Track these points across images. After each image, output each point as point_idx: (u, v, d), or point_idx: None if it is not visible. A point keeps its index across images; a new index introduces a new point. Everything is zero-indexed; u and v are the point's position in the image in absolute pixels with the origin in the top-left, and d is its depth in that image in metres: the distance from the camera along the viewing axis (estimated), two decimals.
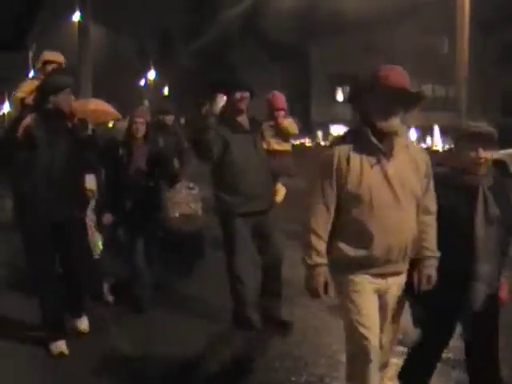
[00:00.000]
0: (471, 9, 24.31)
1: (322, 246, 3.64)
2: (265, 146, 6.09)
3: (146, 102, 52.68)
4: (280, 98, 7.12)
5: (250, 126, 5.73)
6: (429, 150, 32.03)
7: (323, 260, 3.64)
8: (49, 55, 7.00)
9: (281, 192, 7.08)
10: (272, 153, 6.32)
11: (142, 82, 58.12)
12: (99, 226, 6.77)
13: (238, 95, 5.58)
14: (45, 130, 5.26)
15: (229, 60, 53.81)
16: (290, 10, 43.44)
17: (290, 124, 7.02)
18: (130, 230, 6.66)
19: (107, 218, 6.54)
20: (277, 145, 6.85)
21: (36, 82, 6.20)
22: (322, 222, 3.64)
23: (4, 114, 49.60)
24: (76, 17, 24.98)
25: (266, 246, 5.75)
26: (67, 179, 5.33)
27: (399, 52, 38.42)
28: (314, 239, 3.63)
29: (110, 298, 6.69)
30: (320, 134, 43.01)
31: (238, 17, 51.47)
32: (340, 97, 52.56)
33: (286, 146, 7.03)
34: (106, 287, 6.70)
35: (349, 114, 50.60)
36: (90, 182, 6.66)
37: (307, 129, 48.64)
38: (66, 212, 5.36)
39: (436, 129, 32.96)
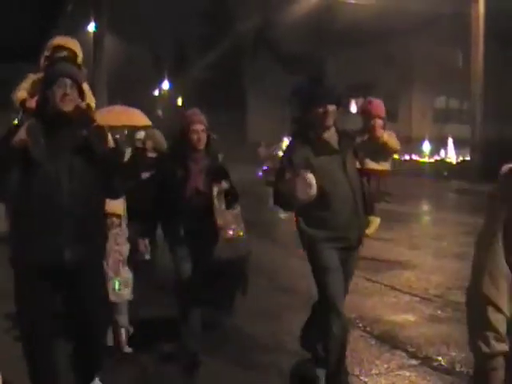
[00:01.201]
0: (486, 22, 24.28)
1: (502, 324, 2.53)
2: (358, 165, 4.82)
3: (160, 112, 52.96)
4: (379, 105, 5.57)
5: (341, 142, 4.66)
6: (442, 161, 32.05)
7: (503, 347, 2.53)
8: (59, 40, 5.58)
9: (374, 223, 5.42)
10: (367, 173, 5.02)
11: (156, 92, 58.36)
12: (132, 258, 5.63)
13: (320, 109, 4.54)
14: (47, 143, 3.93)
15: (243, 70, 53.87)
16: (304, 21, 43.48)
17: (390, 137, 5.38)
18: (184, 263, 5.22)
19: (143, 244, 5.33)
20: (374, 163, 5.40)
21: (39, 76, 5.10)
22: (503, 286, 2.53)
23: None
24: (91, 27, 25.12)
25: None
26: (79, 211, 3.95)
27: (414, 64, 38.40)
28: (491, 314, 2.51)
29: (128, 349, 5.62)
30: None
31: (252, 28, 51.59)
32: (354, 108, 52.46)
33: (385, 165, 5.47)
34: (123, 335, 5.63)
35: (361, 125, 50.58)
36: (117, 204, 5.29)
37: None
38: (76, 257, 3.95)
39: (450, 141, 32.87)
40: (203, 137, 5.27)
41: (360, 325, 6.33)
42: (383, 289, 7.96)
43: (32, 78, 5.39)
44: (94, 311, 4.17)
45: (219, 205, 5.25)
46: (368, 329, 6.21)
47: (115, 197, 4.59)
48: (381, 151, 5.28)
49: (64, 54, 5.38)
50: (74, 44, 5.58)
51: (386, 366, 5.27)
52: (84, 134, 4.01)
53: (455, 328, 6.00)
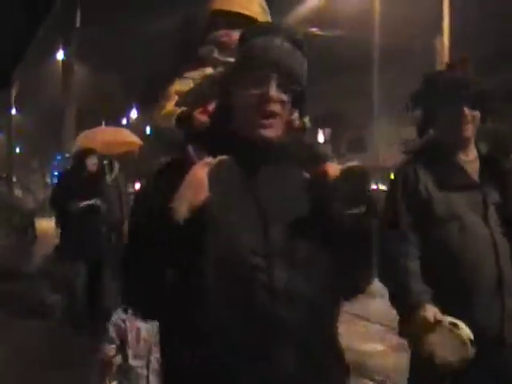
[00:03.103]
0: (451, 53, 24.74)
1: None
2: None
3: None
4: None
5: (484, 172, 2.94)
6: None
7: None
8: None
9: None
10: None
11: (124, 121, 58.20)
12: None
13: (452, 111, 2.88)
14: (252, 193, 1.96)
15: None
16: None
17: None
18: None
19: None
20: None
21: (207, 71, 2.71)
22: None
23: None
24: (60, 55, 25.06)
25: None
26: (305, 326, 1.94)
27: (382, 95, 38.89)
28: None
29: None
30: None
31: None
32: (321, 138, 52.90)
33: None
34: None
35: (329, 155, 51.12)
36: None
37: None
38: None
39: None
40: None
41: None
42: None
43: (194, 77, 2.72)
44: None
45: None
46: None
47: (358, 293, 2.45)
48: None
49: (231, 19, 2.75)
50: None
51: None
52: (305, 176, 2.02)
53: None
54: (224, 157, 1.92)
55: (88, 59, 37.43)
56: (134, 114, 58.09)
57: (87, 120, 29.96)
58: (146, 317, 2.33)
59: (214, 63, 2.63)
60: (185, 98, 2.61)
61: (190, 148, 1.97)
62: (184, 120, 2.53)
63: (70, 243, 7.98)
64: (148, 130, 57.51)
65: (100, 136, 9.78)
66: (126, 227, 8.56)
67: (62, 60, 22.02)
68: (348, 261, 1.99)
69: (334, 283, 2.00)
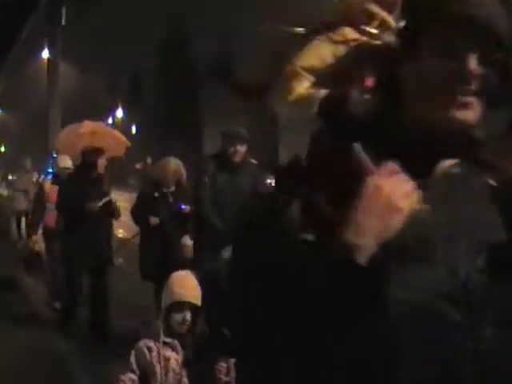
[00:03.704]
0: None
1: None
2: None
3: None
4: None
5: None
6: None
7: None
8: None
9: None
10: None
11: (110, 120, 58.01)
12: None
13: None
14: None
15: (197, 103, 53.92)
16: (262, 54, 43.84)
17: None
18: None
19: None
20: None
21: (348, 35, 1.74)
22: None
23: None
24: (45, 54, 24.96)
25: None
26: None
27: None
28: None
29: None
30: None
31: (210, 60, 51.92)
32: None
33: None
34: None
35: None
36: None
37: None
38: None
39: None
40: None
41: None
42: None
43: (335, 39, 1.76)
44: None
45: None
46: None
47: None
48: None
49: None
50: None
51: None
52: (491, 183, 1.31)
53: None
54: (452, 162, 1.27)
55: (73, 58, 37.35)
56: (119, 113, 57.91)
57: (72, 118, 29.85)
58: None
59: (359, 21, 1.66)
60: (327, 76, 1.72)
61: (358, 148, 1.24)
62: (334, 106, 1.47)
63: (76, 247, 7.38)
64: (134, 129, 57.50)
65: (86, 128, 9.44)
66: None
67: (48, 58, 21.91)
68: None
69: None
